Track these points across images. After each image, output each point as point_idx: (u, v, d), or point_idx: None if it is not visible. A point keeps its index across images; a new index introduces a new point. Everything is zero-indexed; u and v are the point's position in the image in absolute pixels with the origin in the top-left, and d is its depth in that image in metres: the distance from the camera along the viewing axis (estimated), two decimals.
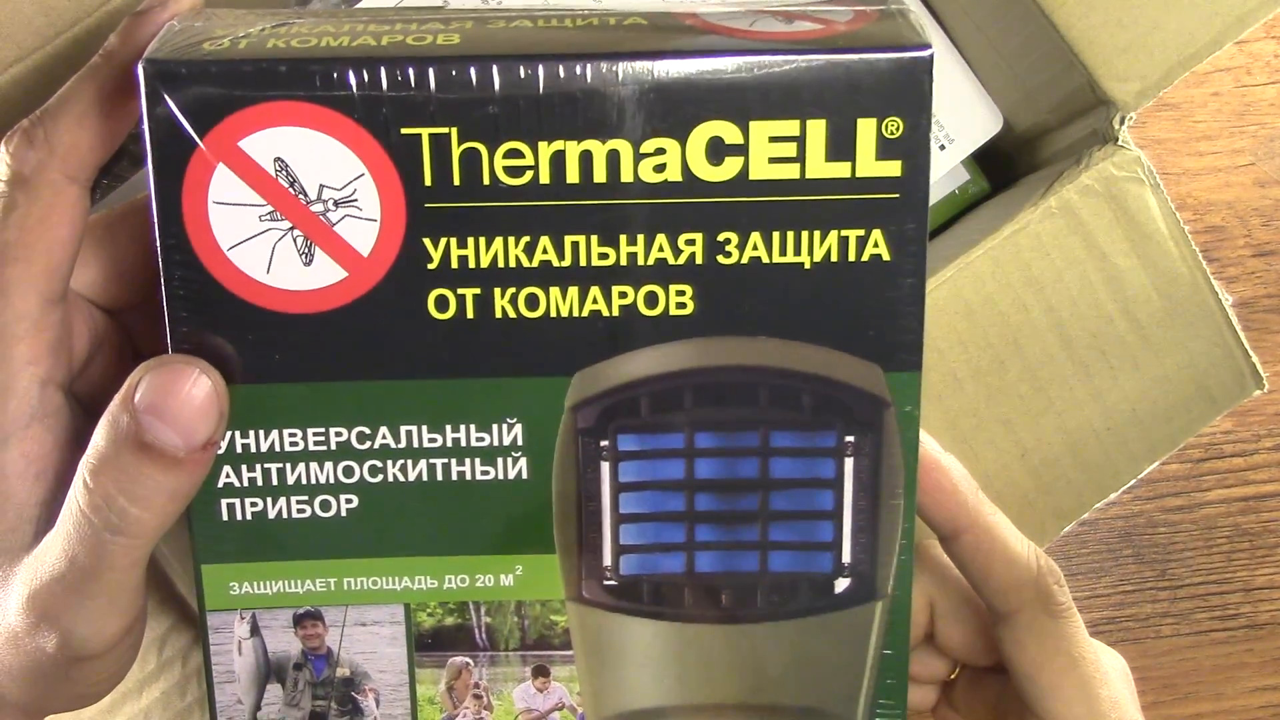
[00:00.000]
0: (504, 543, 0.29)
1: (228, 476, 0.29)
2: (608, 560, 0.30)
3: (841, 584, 0.30)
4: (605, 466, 0.29)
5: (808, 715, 0.30)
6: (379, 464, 0.29)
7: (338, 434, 0.29)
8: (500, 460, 0.29)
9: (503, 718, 0.31)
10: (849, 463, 0.29)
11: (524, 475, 0.29)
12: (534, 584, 0.30)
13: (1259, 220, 0.55)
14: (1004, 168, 0.45)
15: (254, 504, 0.29)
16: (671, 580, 0.30)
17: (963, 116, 0.42)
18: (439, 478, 0.29)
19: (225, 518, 0.29)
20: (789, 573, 0.30)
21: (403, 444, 0.29)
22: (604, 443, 0.29)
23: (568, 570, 0.30)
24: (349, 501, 0.29)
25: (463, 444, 0.29)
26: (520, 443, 0.29)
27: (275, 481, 0.29)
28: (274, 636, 0.30)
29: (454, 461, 0.29)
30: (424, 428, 0.29)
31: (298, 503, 0.29)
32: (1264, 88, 0.54)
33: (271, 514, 0.29)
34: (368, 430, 0.29)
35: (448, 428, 0.29)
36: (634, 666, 0.30)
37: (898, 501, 0.29)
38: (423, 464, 0.29)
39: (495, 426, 0.29)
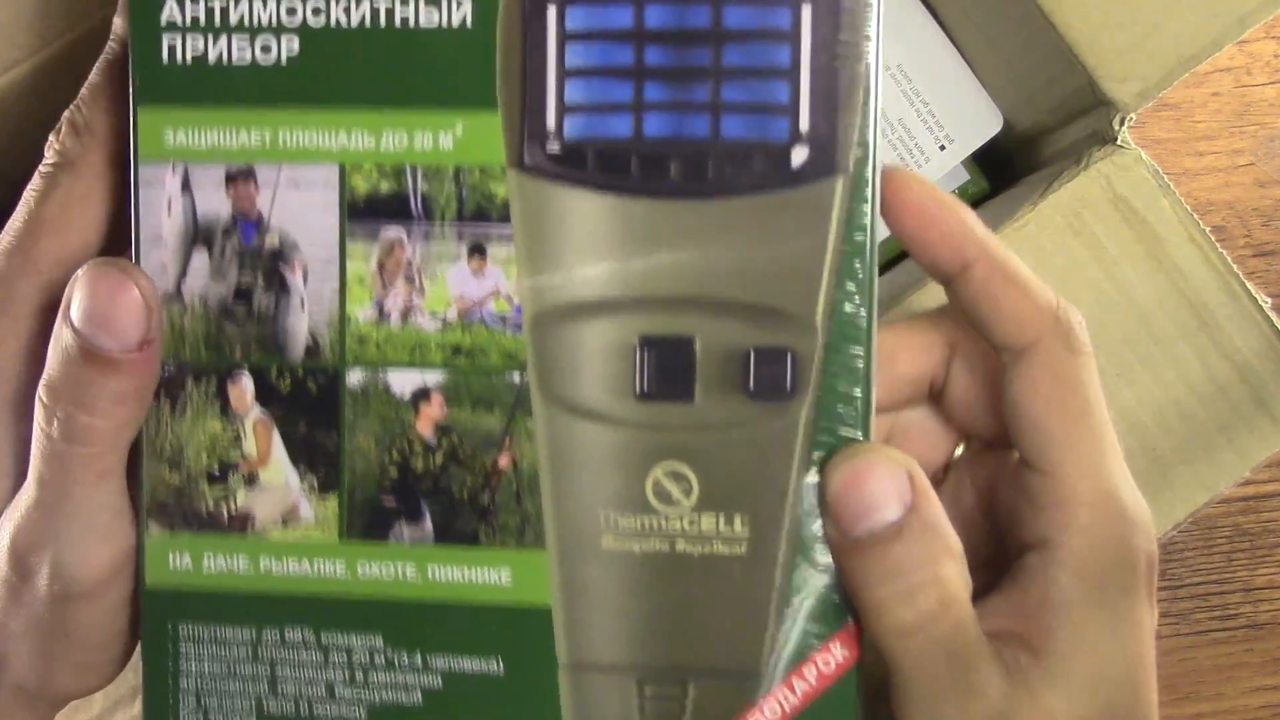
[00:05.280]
0: (445, 96, 0.28)
1: (171, 12, 0.28)
2: (551, 122, 0.28)
3: (799, 155, 0.27)
4: (551, 11, 0.28)
5: (763, 315, 0.28)
6: (321, 5, 0.28)
7: None
8: (445, 3, 0.28)
9: (434, 303, 0.29)
10: (806, 10, 0.27)
11: (468, 23, 0.28)
12: (474, 146, 0.28)
13: (1259, 220, 0.54)
14: (1004, 168, 0.45)
15: (195, 44, 0.28)
16: (618, 146, 0.28)
17: (963, 116, 0.42)
18: (382, 23, 0.28)
19: (166, 59, 0.29)
20: (743, 140, 0.27)
21: None
22: None
23: (510, 131, 0.28)
24: (290, 46, 0.28)
25: None
26: None
27: (218, 21, 0.28)
28: (205, 196, 0.29)
29: (399, 4, 0.28)
30: None
31: (239, 44, 0.28)
32: (1264, 88, 0.54)
33: (212, 57, 0.28)
34: None
35: None
36: (575, 248, 0.28)
37: (860, 65, 0.27)
38: (366, 6, 0.28)
39: None
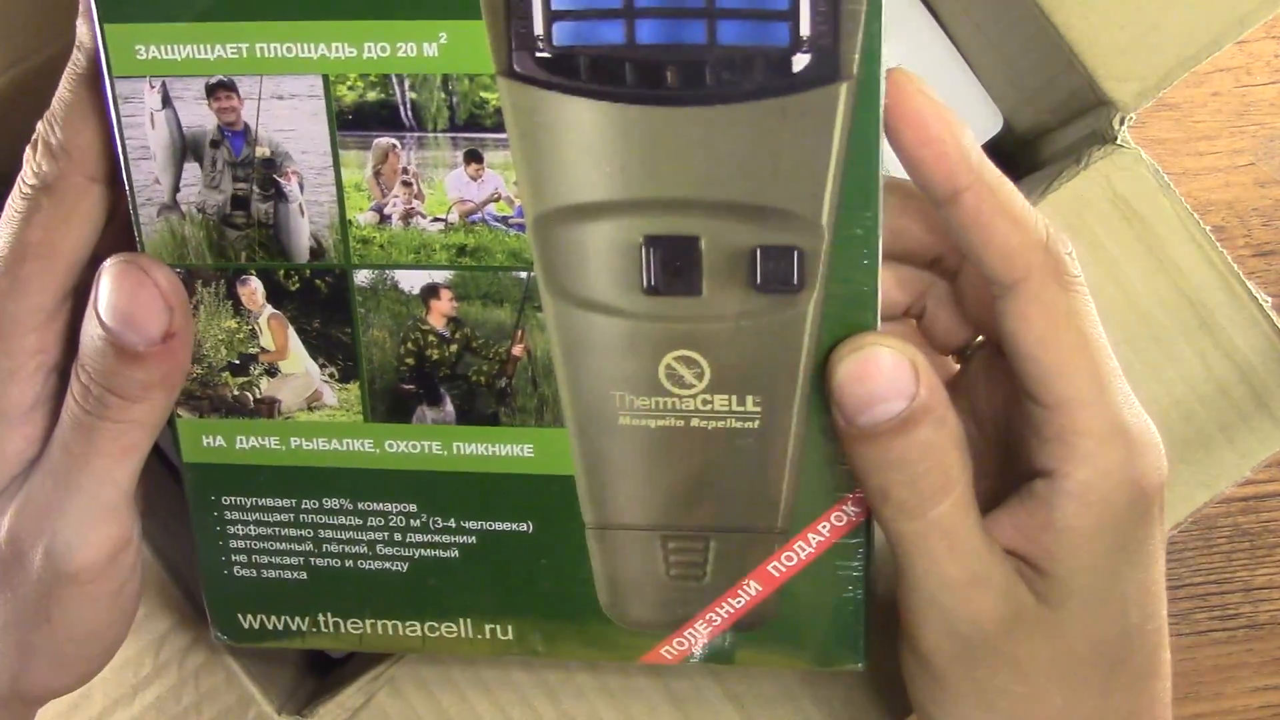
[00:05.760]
0: (425, 6, 0.27)
1: None
2: (539, 28, 0.27)
3: (800, 61, 0.26)
4: None
5: (768, 215, 0.28)
6: None
7: None
8: None
9: (434, 208, 0.29)
10: None
11: None
12: (460, 55, 0.27)
13: (1259, 220, 0.54)
14: (1004, 168, 0.44)
15: None
16: (610, 53, 0.27)
17: (963, 116, 0.42)
18: None
19: None
20: (741, 46, 0.26)
21: None
22: None
23: (496, 39, 0.27)
24: None
25: None
26: None
27: None
28: (187, 108, 0.28)
29: None
30: None
31: None
32: (1264, 88, 0.54)
33: None
34: None
35: None
36: (573, 154, 0.28)
37: None
38: None
39: None
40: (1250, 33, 0.36)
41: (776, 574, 0.31)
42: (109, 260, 0.28)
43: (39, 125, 0.29)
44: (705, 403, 0.29)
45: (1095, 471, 0.28)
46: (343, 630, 0.33)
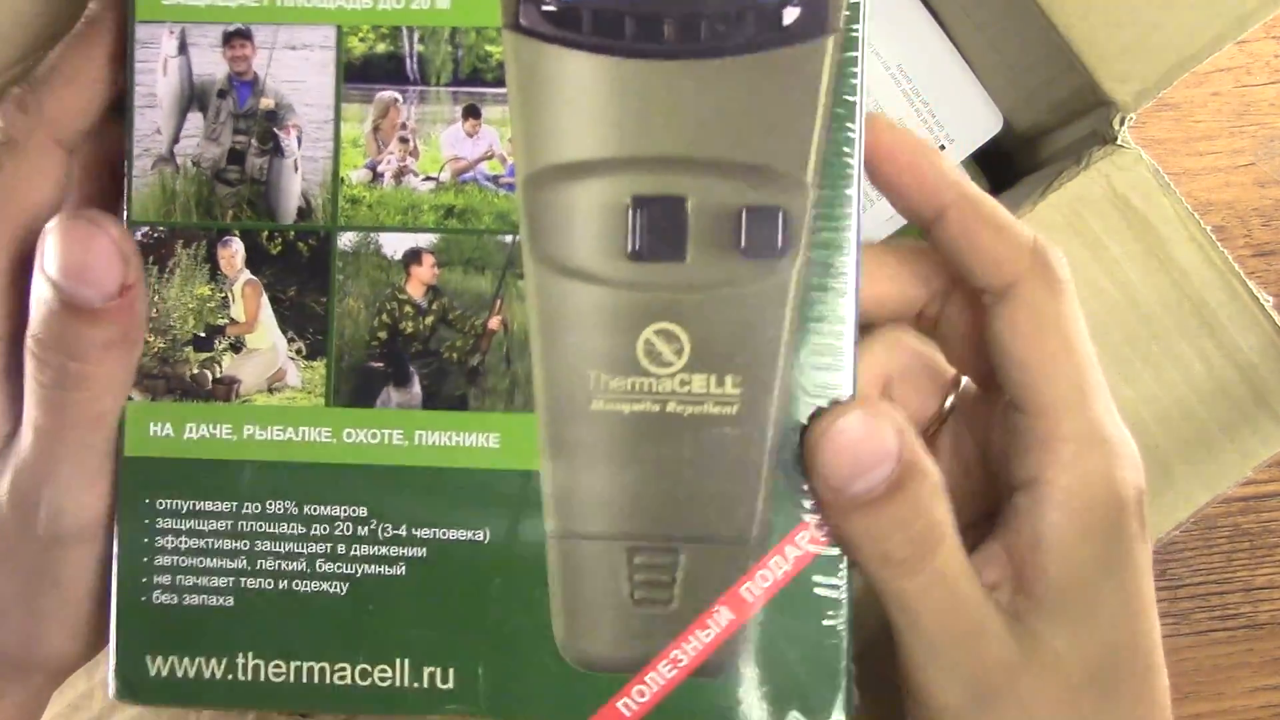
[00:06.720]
0: None
1: None
2: None
3: (791, 14, 0.28)
4: None
5: (755, 173, 0.28)
6: None
7: None
8: None
9: (428, 165, 0.29)
10: None
11: None
12: (471, 8, 0.29)
13: (1259, 220, 0.54)
14: (1004, 168, 0.45)
15: None
16: (612, 8, 0.28)
17: (963, 116, 0.42)
18: None
19: None
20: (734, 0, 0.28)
21: None
22: None
23: None
24: None
25: None
26: None
27: None
28: (201, 56, 0.29)
29: None
30: None
31: None
32: (1264, 88, 0.54)
33: None
34: None
35: None
36: (569, 110, 0.29)
37: None
38: None
39: None
40: (1250, 33, 0.36)
41: (749, 598, 0.29)
42: (53, 220, 0.27)
43: (14, 88, 0.28)
44: (683, 383, 0.29)
45: (1076, 477, 0.28)
46: (261, 676, 0.30)
